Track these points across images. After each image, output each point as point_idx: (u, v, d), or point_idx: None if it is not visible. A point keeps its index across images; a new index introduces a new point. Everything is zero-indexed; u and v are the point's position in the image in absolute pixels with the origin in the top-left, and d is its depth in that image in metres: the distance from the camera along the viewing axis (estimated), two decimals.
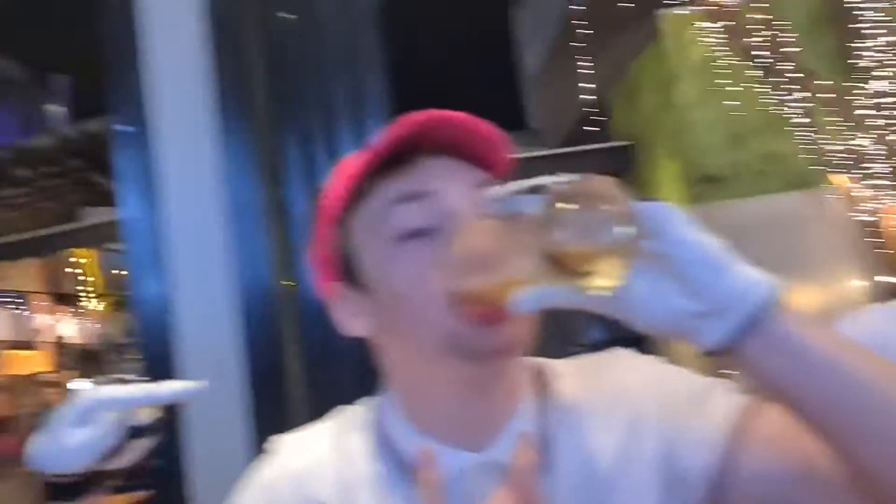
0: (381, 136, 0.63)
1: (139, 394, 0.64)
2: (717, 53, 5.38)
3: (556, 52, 7.42)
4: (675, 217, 0.50)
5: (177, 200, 1.83)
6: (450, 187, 0.65)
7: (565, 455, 0.67)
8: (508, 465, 0.59)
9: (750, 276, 0.51)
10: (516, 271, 0.52)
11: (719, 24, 5.02)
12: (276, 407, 1.77)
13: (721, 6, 4.93)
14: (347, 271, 0.69)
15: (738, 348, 0.51)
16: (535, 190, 0.48)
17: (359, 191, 0.67)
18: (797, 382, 0.52)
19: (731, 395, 0.67)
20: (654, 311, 0.51)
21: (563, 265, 0.46)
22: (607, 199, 0.47)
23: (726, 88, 5.37)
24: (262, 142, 1.82)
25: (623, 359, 0.73)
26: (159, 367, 1.80)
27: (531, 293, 0.52)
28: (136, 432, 0.69)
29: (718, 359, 0.52)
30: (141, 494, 3.25)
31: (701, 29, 5.47)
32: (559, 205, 0.46)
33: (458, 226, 0.60)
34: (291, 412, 1.77)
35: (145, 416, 0.69)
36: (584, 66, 5.56)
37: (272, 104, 1.86)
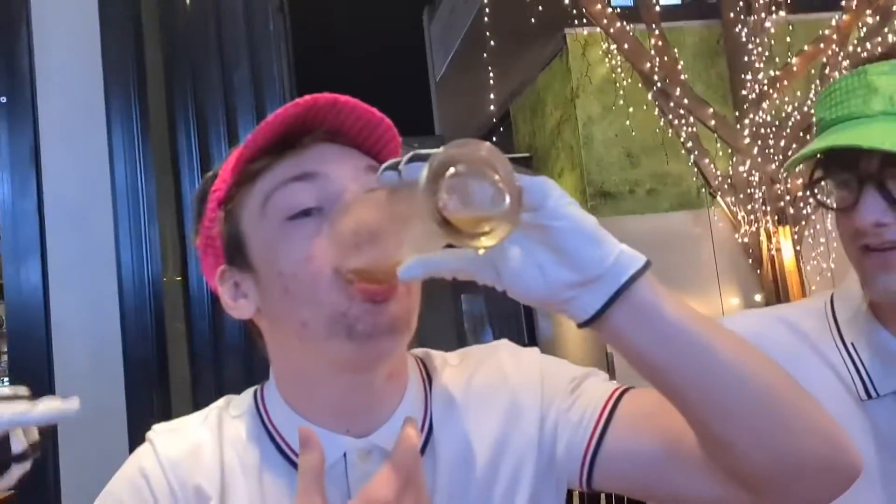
0: (270, 116, 0.63)
1: (7, 417, 0.57)
2: (617, 74, 5.63)
3: (464, 61, 7.52)
4: (554, 191, 0.51)
5: (59, 184, 1.71)
6: (339, 169, 0.65)
7: (447, 442, 0.68)
8: (392, 449, 0.59)
9: (623, 249, 0.53)
10: (404, 243, 0.52)
11: (619, 47, 5.26)
12: (158, 405, 1.69)
13: (621, 30, 5.16)
14: (234, 253, 0.67)
15: (609, 318, 0.53)
16: (423, 158, 0.48)
17: (247, 173, 0.66)
18: (660, 353, 0.54)
19: (605, 382, 0.71)
20: (532, 280, 0.52)
21: (448, 231, 0.47)
22: (492, 166, 0.48)
23: (622, 108, 5.61)
24: (155, 127, 1.74)
25: (505, 349, 0.75)
26: (32, 362, 1.68)
27: (416, 261, 0.53)
28: (13, 457, 0.62)
29: (591, 329, 0.54)
30: (5, 495, 3.01)
31: (603, 50, 5.72)
32: (445, 170, 0.47)
33: (345, 203, 0.60)
34: (175, 410, 1.69)
35: (20, 441, 0.63)
36: (490, 77, 5.67)
37: (168, 88, 1.77)
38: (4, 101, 1.75)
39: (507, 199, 0.48)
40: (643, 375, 0.57)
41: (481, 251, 0.49)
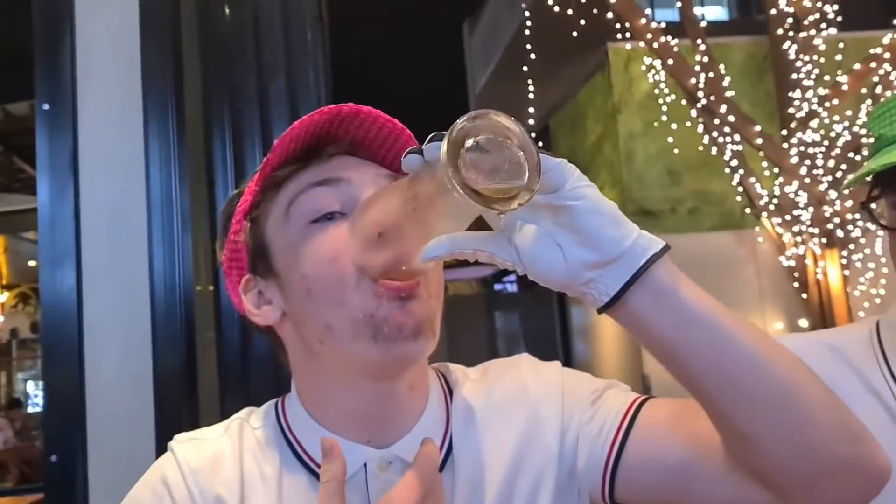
0: (295, 124, 0.64)
1: None
2: (660, 90, 5.56)
3: (504, 74, 7.51)
4: (573, 173, 0.52)
5: (96, 190, 1.74)
6: (361, 175, 0.66)
7: (467, 457, 0.68)
8: (412, 460, 0.59)
9: (642, 232, 0.54)
10: (427, 226, 0.53)
11: (663, 63, 5.20)
12: (186, 411, 1.69)
13: (666, 45, 5.09)
14: (258, 262, 0.68)
15: (628, 301, 0.53)
16: (443, 137, 0.49)
17: (272, 180, 0.67)
18: (679, 337, 0.54)
19: (626, 393, 0.70)
20: (552, 260, 0.53)
21: (472, 196, 0.47)
22: (508, 134, 0.49)
23: (664, 124, 5.53)
24: (191, 136, 1.75)
25: (526, 363, 0.75)
26: (64, 364, 1.70)
27: (436, 242, 0.54)
28: None
29: (610, 315, 0.54)
30: (35, 497, 3.04)
31: (646, 65, 5.65)
32: (464, 141, 0.48)
33: (367, 198, 0.61)
34: (203, 418, 1.69)
35: None
36: (530, 91, 5.65)
37: (205, 98, 1.79)
38: (47, 108, 1.78)
39: (527, 166, 0.49)
40: (664, 364, 0.56)
41: (502, 215, 0.50)
